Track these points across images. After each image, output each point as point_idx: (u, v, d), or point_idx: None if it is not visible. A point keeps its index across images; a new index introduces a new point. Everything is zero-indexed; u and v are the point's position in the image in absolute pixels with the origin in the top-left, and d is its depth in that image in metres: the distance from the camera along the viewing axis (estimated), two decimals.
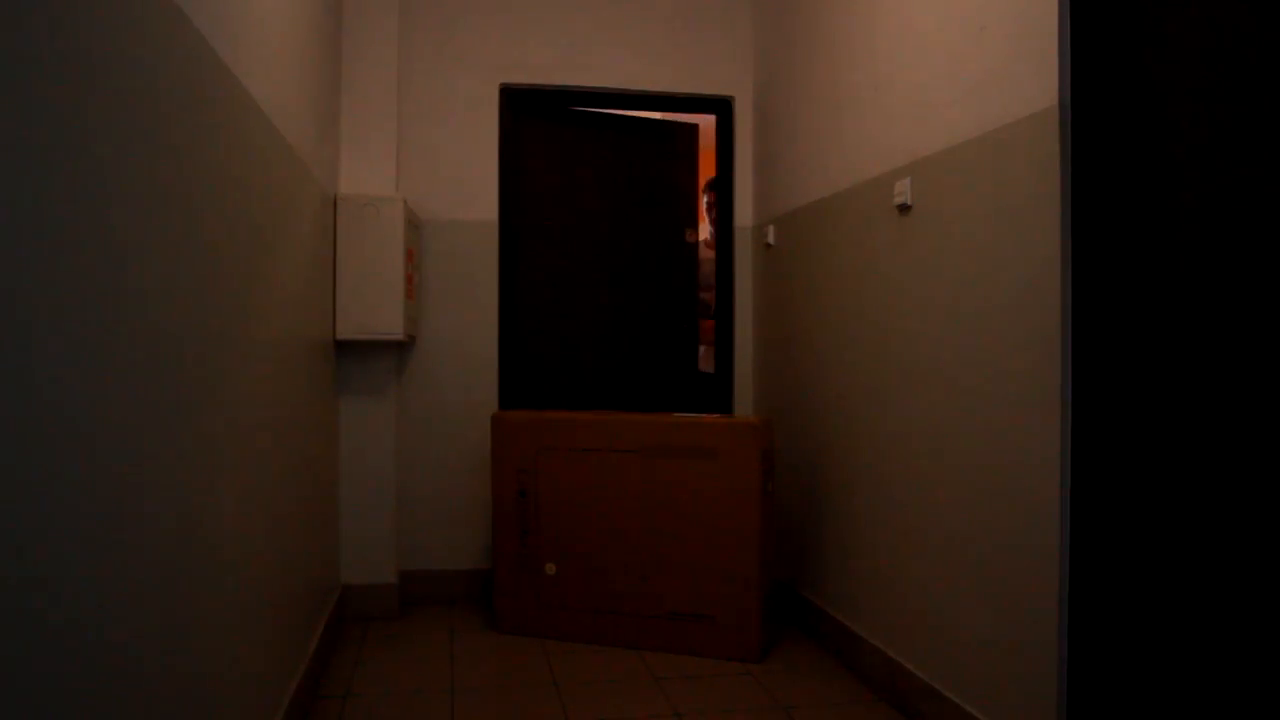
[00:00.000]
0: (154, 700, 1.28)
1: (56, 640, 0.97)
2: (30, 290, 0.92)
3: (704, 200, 4.51)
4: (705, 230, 4.51)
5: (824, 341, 3.16)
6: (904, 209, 2.57)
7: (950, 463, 2.33)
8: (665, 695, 2.66)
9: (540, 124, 3.95)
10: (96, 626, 1.08)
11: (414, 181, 3.63)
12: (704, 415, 3.14)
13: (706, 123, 4.19)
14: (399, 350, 3.55)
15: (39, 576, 0.93)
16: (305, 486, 2.59)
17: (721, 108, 3.99)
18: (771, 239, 3.68)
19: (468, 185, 3.72)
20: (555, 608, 3.15)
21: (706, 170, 4.47)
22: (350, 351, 3.38)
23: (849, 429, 2.95)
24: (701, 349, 4.32)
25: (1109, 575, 1.85)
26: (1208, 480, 1.64)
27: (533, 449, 3.17)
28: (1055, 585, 1.92)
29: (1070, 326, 1.90)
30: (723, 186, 4.02)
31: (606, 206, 4.15)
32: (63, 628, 0.99)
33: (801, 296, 3.38)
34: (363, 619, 3.38)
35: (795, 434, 3.37)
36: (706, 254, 4.45)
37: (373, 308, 3.24)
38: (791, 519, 3.40)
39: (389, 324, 3.26)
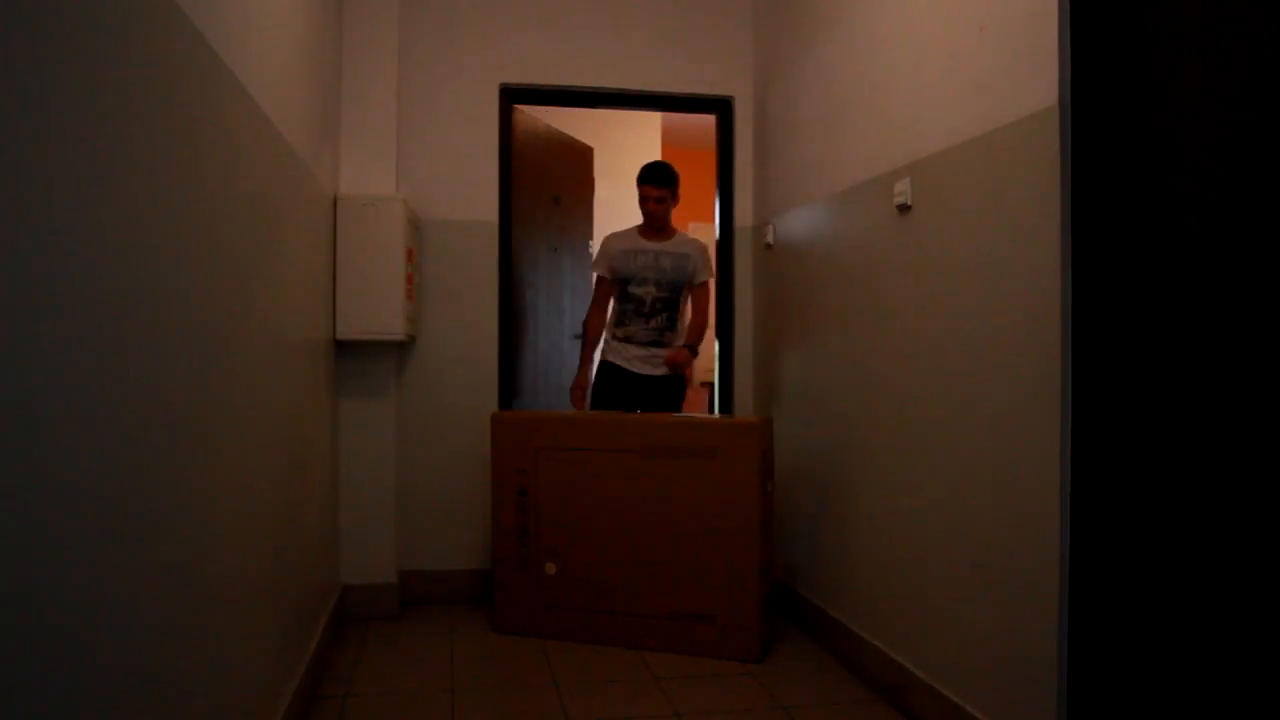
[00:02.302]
0: (153, 702, 1.28)
1: (52, 644, 0.97)
2: (27, 290, 0.92)
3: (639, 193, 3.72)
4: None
5: (823, 341, 3.16)
6: (904, 209, 2.57)
7: (950, 462, 2.33)
8: (665, 695, 2.66)
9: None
10: (93, 629, 1.08)
11: (414, 181, 3.63)
12: (704, 415, 3.16)
13: (706, 122, 4.19)
14: (399, 350, 3.55)
15: (34, 579, 0.93)
16: (305, 487, 2.59)
17: (721, 108, 3.99)
18: (771, 239, 3.68)
19: (468, 185, 3.72)
20: (555, 608, 3.15)
21: (705, 171, 4.48)
22: (350, 351, 3.37)
23: (848, 428, 2.95)
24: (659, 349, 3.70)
25: (1109, 574, 1.85)
26: (1208, 479, 1.64)
27: (532, 449, 3.17)
28: (1055, 584, 1.92)
29: (1070, 326, 1.90)
30: (723, 186, 4.02)
31: (556, 214, 4.44)
32: (58, 631, 0.99)
33: (801, 296, 3.38)
34: (363, 619, 3.38)
35: (794, 434, 3.37)
36: (639, 246, 3.71)
37: (373, 308, 3.24)
38: (791, 519, 3.40)
39: (389, 324, 3.26)
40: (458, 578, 3.66)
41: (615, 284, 3.68)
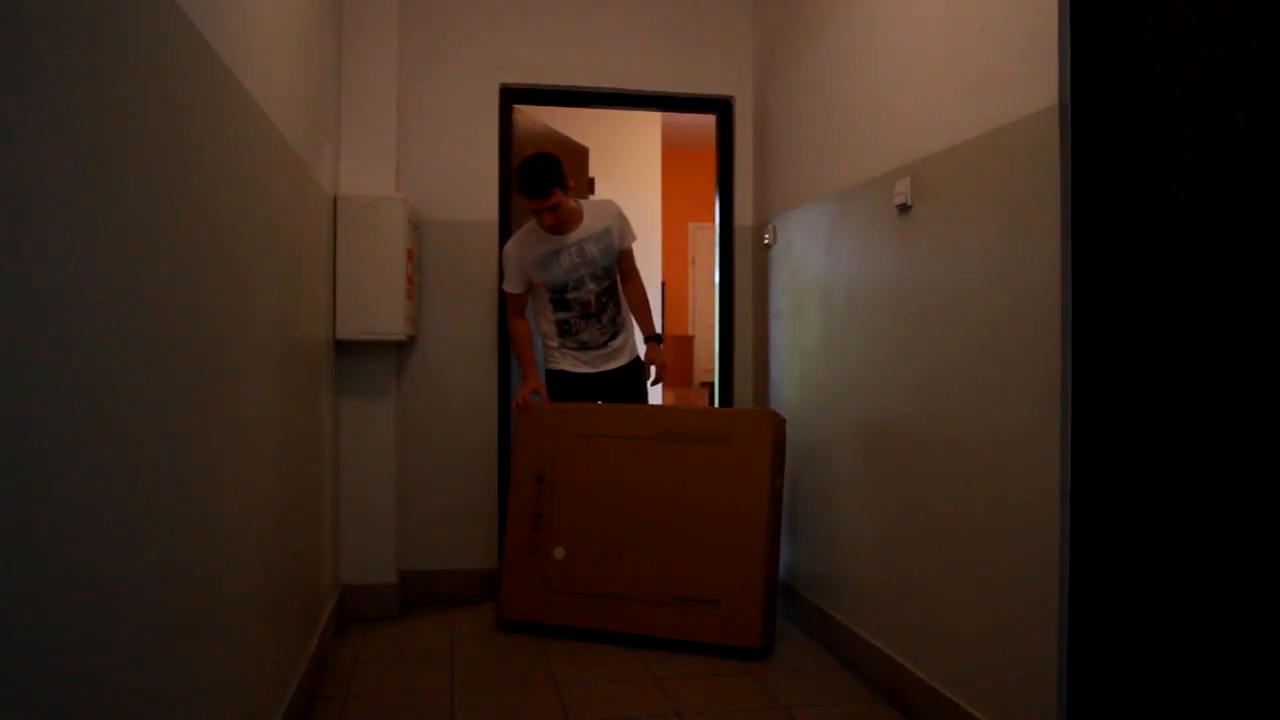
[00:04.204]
0: (153, 703, 1.28)
1: (49, 646, 0.97)
2: (22, 290, 0.92)
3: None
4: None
5: (824, 341, 3.16)
6: (904, 209, 2.57)
7: (950, 462, 2.33)
8: (665, 694, 2.66)
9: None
10: (92, 630, 1.08)
11: (414, 181, 3.63)
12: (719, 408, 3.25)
13: (706, 122, 4.19)
14: (399, 350, 3.55)
15: (32, 580, 0.93)
16: (305, 487, 2.59)
17: (721, 108, 3.99)
18: (771, 239, 3.68)
19: (468, 185, 3.72)
20: (560, 593, 3.16)
21: (707, 170, 4.47)
22: (350, 351, 3.37)
23: (848, 429, 2.95)
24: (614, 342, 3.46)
25: (1109, 575, 1.85)
26: (1209, 478, 1.64)
27: (554, 435, 3.24)
28: (1055, 585, 1.92)
29: (1070, 326, 1.90)
30: (723, 186, 4.02)
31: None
32: (56, 632, 0.99)
33: (801, 296, 3.38)
34: (363, 619, 3.38)
35: (794, 434, 3.37)
36: (556, 244, 3.31)
37: (373, 308, 3.24)
38: (791, 519, 3.40)
39: (389, 324, 3.26)
40: (458, 577, 3.66)
41: (546, 292, 3.34)
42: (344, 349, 3.35)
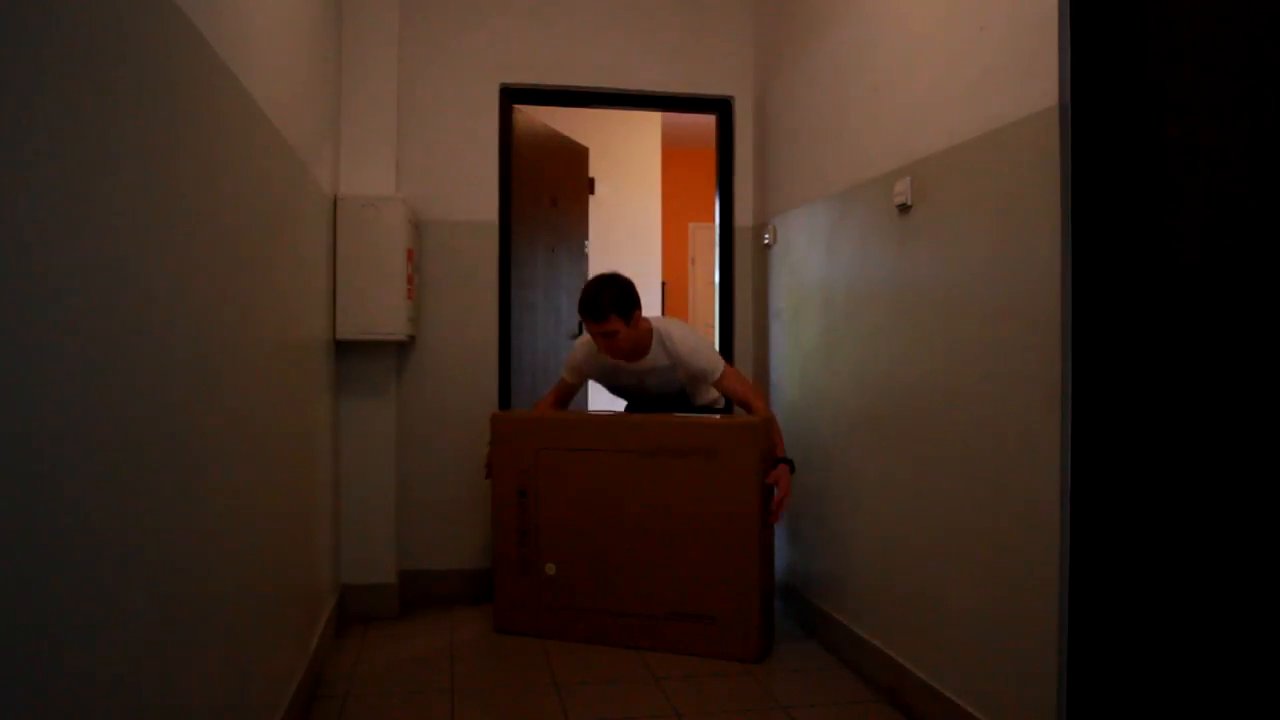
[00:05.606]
0: (153, 703, 1.28)
1: (44, 648, 0.97)
2: (28, 288, 0.92)
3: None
4: None
5: (823, 341, 3.16)
6: (904, 209, 2.57)
7: (950, 463, 2.33)
8: (665, 695, 2.66)
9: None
10: (89, 630, 1.08)
11: (414, 181, 3.63)
12: (704, 416, 3.15)
13: (706, 122, 4.19)
14: (399, 350, 3.55)
15: (27, 580, 0.93)
16: (305, 486, 2.59)
17: (721, 108, 3.99)
18: (771, 239, 3.68)
19: (468, 185, 3.72)
20: (555, 608, 3.15)
21: (707, 170, 4.47)
22: (350, 351, 3.37)
23: (848, 429, 2.95)
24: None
25: (1109, 575, 1.85)
26: (1209, 478, 1.64)
27: (533, 449, 3.17)
28: (1055, 585, 1.92)
29: (1070, 326, 1.90)
30: (723, 186, 4.02)
31: (554, 215, 4.49)
32: (52, 633, 0.99)
33: (801, 296, 3.38)
34: (363, 619, 3.38)
35: (794, 434, 3.37)
36: (617, 363, 3.28)
37: (373, 308, 3.24)
38: (791, 519, 3.40)
39: (389, 324, 3.26)
40: (458, 578, 3.66)
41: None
42: (344, 349, 3.35)
